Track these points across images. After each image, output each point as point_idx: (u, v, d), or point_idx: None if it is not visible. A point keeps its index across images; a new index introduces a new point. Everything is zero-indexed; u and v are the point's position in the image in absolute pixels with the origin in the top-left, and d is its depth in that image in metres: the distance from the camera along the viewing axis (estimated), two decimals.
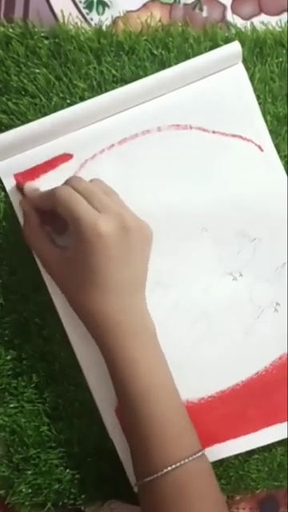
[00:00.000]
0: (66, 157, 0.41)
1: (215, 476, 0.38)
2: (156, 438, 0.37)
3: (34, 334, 0.42)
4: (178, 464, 0.36)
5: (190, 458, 0.36)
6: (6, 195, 0.41)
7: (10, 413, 0.42)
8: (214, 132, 0.42)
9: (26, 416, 0.42)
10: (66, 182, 0.38)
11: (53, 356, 0.42)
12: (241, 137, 0.42)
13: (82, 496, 0.42)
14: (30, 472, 0.42)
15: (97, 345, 0.39)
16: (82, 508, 0.44)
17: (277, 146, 0.43)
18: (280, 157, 0.43)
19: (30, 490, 0.42)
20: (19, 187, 0.41)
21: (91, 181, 0.39)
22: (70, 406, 0.42)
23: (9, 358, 0.42)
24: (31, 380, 0.42)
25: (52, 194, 0.37)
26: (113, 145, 0.41)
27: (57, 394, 0.42)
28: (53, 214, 0.39)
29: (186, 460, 0.36)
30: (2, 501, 0.43)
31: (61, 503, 0.42)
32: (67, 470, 0.42)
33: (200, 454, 0.37)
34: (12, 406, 0.42)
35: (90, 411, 0.42)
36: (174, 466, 0.36)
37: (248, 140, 0.42)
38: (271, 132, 0.43)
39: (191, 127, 0.42)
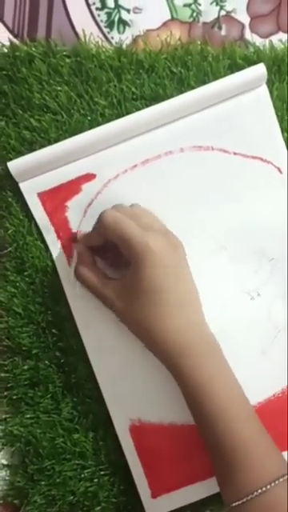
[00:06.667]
0: (89, 176, 0.42)
1: None
2: (240, 460, 0.35)
3: (51, 344, 0.43)
4: (265, 488, 0.34)
5: (279, 481, 0.34)
6: (29, 212, 0.42)
7: (25, 423, 0.43)
8: (235, 153, 0.42)
9: (41, 427, 0.43)
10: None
11: (69, 367, 0.43)
12: (261, 159, 0.42)
13: (95, 508, 0.42)
14: (44, 483, 0.42)
15: (166, 368, 0.38)
16: None
17: None
18: None
19: (44, 501, 0.42)
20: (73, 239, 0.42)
21: (130, 206, 0.40)
22: (85, 419, 0.43)
23: (26, 367, 0.42)
24: (47, 391, 0.43)
25: (99, 220, 0.38)
26: (136, 165, 0.42)
27: (72, 405, 0.43)
28: (102, 249, 0.40)
29: (274, 483, 0.34)
30: (16, 511, 0.43)
31: None
32: (81, 483, 0.43)
33: None
34: (28, 416, 0.43)
35: (104, 424, 0.42)
36: (260, 491, 0.34)
37: (268, 162, 0.42)
38: None
39: (213, 148, 0.42)
